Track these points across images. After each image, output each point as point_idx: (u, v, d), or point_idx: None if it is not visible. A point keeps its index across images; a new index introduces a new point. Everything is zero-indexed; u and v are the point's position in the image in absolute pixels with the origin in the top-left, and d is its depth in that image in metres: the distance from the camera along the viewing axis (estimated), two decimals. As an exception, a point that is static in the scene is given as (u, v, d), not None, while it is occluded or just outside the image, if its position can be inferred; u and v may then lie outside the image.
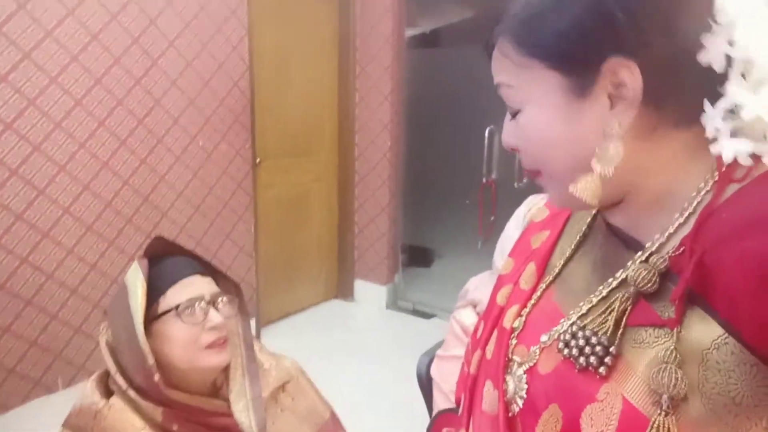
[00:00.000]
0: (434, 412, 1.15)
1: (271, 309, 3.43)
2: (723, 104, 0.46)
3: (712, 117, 0.47)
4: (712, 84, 0.47)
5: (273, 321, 3.46)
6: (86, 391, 0.96)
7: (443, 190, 3.80)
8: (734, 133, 0.47)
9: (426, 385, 1.40)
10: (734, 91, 0.46)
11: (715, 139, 0.48)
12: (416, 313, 3.77)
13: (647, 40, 0.47)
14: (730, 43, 0.46)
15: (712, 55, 0.46)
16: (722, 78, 0.47)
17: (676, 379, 0.45)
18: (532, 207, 1.20)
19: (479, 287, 1.22)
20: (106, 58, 2.42)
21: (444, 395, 1.15)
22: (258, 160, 3.21)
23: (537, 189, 0.67)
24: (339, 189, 3.86)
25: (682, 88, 0.49)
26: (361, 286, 3.91)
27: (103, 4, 2.37)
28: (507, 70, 0.55)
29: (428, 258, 4.52)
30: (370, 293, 3.87)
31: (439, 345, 1.44)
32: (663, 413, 0.45)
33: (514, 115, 0.56)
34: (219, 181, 3.00)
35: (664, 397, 0.45)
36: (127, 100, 2.52)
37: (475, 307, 1.21)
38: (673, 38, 0.47)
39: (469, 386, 0.70)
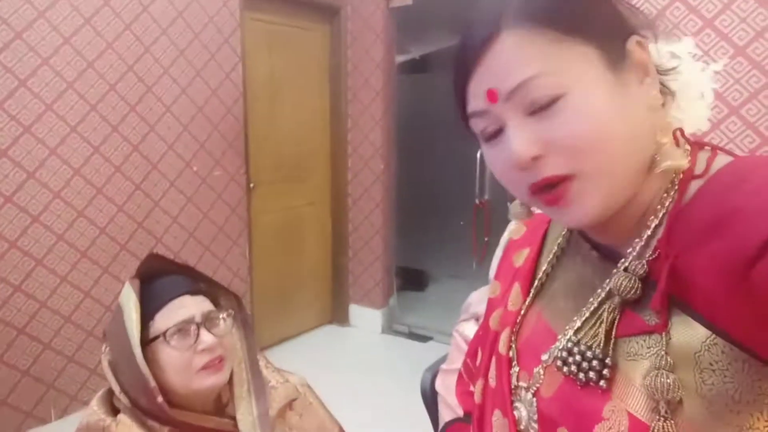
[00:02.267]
0: (441, 425, 1.14)
1: (267, 335, 3.40)
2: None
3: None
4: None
5: (268, 347, 3.42)
6: (92, 408, 0.95)
7: (436, 213, 3.82)
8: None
9: (430, 399, 1.39)
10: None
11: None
12: (412, 336, 3.74)
13: (642, 23, 0.53)
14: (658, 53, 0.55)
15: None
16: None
17: (669, 383, 0.45)
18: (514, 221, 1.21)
19: (481, 301, 1.22)
20: (101, 85, 2.43)
21: (450, 408, 1.14)
22: (252, 185, 3.22)
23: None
24: (332, 213, 3.86)
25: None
26: (356, 310, 3.89)
27: (98, 33, 2.40)
28: (533, 60, 0.48)
29: (423, 281, 4.52)
30: (365, 317, 3.84)
31: (441, 360, 1.43)
32: (662, 419, 0.45)
33: (534, 112, 0.49)
34: (213, 207, 3.00)
35: (661, 402, 0.45)
36: (121, 127, 2.53)
37: (477, 320, 1.21)
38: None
39: (477, 416, 0.70)
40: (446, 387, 1.20)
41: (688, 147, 0.53)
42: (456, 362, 1.22)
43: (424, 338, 3.69)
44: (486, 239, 3.46)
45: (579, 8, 0.49)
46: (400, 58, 3.78)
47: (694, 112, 0.54)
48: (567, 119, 0.48)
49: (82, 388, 2.47)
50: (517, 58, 0.48)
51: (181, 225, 2.84)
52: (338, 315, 3.92)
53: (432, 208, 3.85)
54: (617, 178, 0.49)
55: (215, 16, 2.88)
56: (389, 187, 3.74)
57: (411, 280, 4.39)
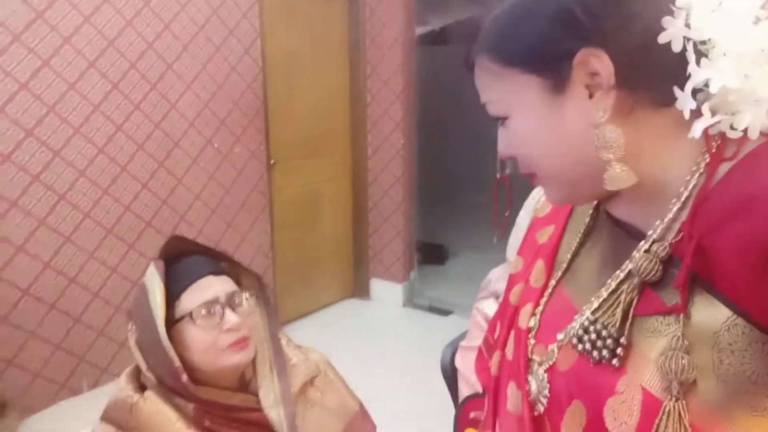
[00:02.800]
0: (460, 401, 1.16)
1: (289, 309, 3.45)
2: (689, 84, 0.47)
3: (683, 98, 0.48)
4: (683, 64, 0.48)
5: (290, 321, 3.48)
6: (120, 384, 0.98)
7: (457, 187, 3.80)
8: (713, 112, 0.48)
9: (450, 376, 1.41)
10: (696, 70, 0.47)
11: (691, 120, 0.48)
12: (433, 310, 3.77)
13: (608, 28, 0.49)
14: (688, 26, 0.47)
15: (671, 36, 0.47)
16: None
17: (684, 365, 0.46)
18: (542, 197, 1.21)
19: (501, 278, 1.22)
20: (122, 63, 2.45)
21: (469, 385, 1.16)
22: (272, 161, 3.24)
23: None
24: (353, 188, 3.87)
25: (654, 70, 0.50)
26: (377, 284, 3.92)
27: (118, 11, 2.40)
28: (489, 86, 0.57)
29: (443, 255, 4.52)
30: (386, 291, 3.87)
31: (461, 337, 1.44)
32: (673, 399, 0.46)
33: (503, 123, 0.58)
34: (235, 183, 3.03)
35: (674, 383, 0.46)
36: (143, 105, 2.55)
37: (497, 297, 1.21)
38: (634, 23, 0.49)
39: (492, 388, 0.71)
40: (466, 364, 1.21)
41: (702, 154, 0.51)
42: (475, 339, 1.23)
43: (444, 312, 3.71)
44: (507, 213, 3.43)
45: (518, 43, 0.54)
46: (420, 30, 3.72)
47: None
48: (512, 137, 0.58)
49: (112, 361, 2.55)
50: (480, 83, 0.59)
51: (204, 202, 2.88)
52: (359, 289, 3.96)
53: (452, 183, 3.83)
54: (570, 182, 0.56)
55: (233, -9, 2.87)
56: (409, 161, 3.73)
57: (431, 254, 4.40)
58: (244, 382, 1.07)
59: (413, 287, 3.90)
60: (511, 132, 0.57)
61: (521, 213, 1.27)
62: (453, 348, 1.40)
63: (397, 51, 3.55)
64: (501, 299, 1.20)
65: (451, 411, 1.43)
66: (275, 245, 3.32)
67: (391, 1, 3.50)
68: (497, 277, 1.24)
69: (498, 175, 3.51)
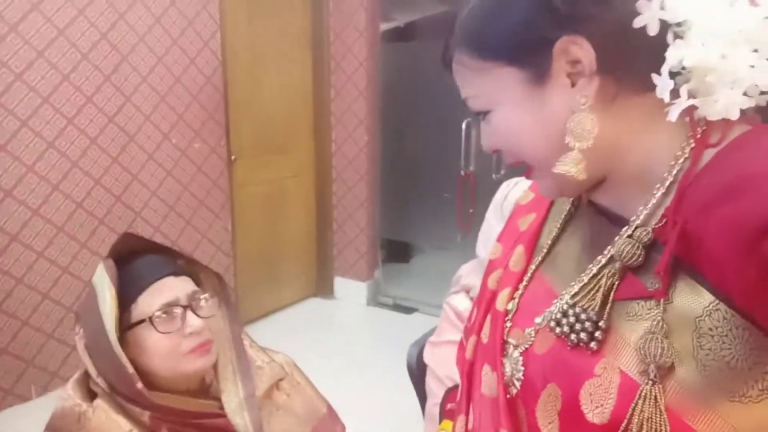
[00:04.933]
0: (430, 397, 1.13)
1: (251, 308, 3.38)
2: (665, 66, 0.47)
3: (660, 81, 0.48)
4: (662, 49, 0.48)
5: (253, 320, 3.41)
6: (67, 392, 0.91)
7: (421, 184, 3.79)
8: (691, 95, 0.48)
9: (417, 374, 1.38)
10: (672, 51, 0.47)
11: (671, 104, 0.48)
12: (397, 308, 3.75)
13: (586, 14, 0.49)
14: (662, 8, 0.47)
15: (646, 20, 0.47)
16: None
17: (662, 348, 0.46)
18: (509, 192, 1.20)
19: (471, 273, 1.20)
20: (74, 54, 2.34)
21: (438, 380, 1.13)
22: (233, 157, 3.15)
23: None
24: (316, 185, 3.81)
25: (635, 54, 0.50)
26: (341, 283, 3.88)
27: (70, 0, 2.29)
28: (469, 81, 0.57)
29: (407, 253, 4.51)
30: (350, 290, 3.83)
31: (428, 335, 1.42)
32: (650, 382, 0.46)
33: (485, 117, 0.58)
34: (194, 180, 2.93)
35: (651, 366, 0.46)
36: (96, 97, 2.44)
37: (468, 292, 1.19)
38: (612, 7, 0.49)
39: (467, 371, 0.71)
40: (436, 359, 1.18)
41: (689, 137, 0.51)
42: (445, 334, 1.21)
43: (409, 310, 3.70)
44: (471, 211, 3.44)
45: (495, 37, 0.53)
46: (384, 26, 3.69)
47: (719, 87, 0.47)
48: (495, 130, 0.57)
49: (62, 364, 2.44)
50: (459, 77, 0.58)
51: (161, 198, 2.78)
52: (323, 288, 3.91)
53: (417, 180, 3.81)
54: (562, 180, 0.54)
55: (192, -19, 2.77)
56: (373, 158, 3.70)
57: (396, 252, 4.38)
58: (205, 387, 1.02)
59: (377, 285, 3.87)
60: (493, 125, 0.57)
61: (490, 208, 1.25)
62: (419, 346, 1.37)
63: (362, 46, 3.51)
64: (472, 293, 1.19)
65: (417, 409, 1.41)
66: (236, 243, 3.24)
67: (355, -5, 3.46)
68: (468, 272, 1.22)
69: (462, 173, 3.51)
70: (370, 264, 3.80)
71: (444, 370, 1.14)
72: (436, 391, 1.14)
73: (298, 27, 3.51)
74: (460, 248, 3.36)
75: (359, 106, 3.59)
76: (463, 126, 3.40)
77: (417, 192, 3.82)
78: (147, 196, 2.71)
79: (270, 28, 3.31)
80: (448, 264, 1.32)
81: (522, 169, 0.63)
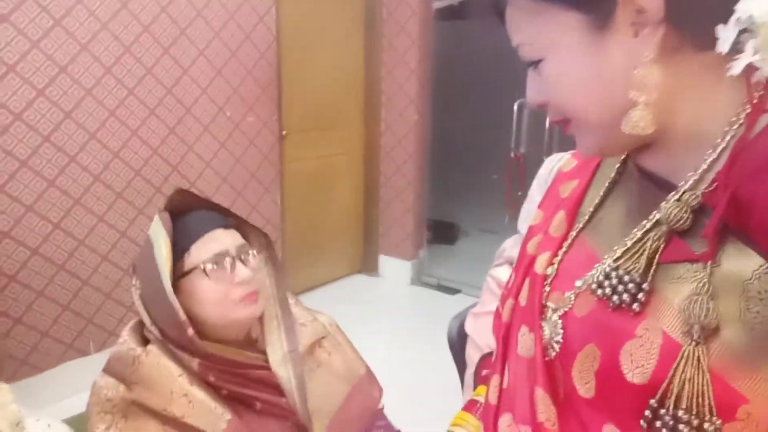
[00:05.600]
0: (469, 366, 1.14)
1: (296, 282, 3.45)
2: (733, 18, 0.45)
3: (725, 32, 0.45)
4: (730, 2, 0.45)
5: (297, 293, 3.47)
6: (123, 338, 0.96)
7: (470, 166, 3.76)
8: (756, 52, 0.45)
9: (457, 346, 1.39)
10: (743, 4, 0.44)
11: (732, 60, 0.46)
12: (441, 288, 3.75)
13: None
14: None
15: None
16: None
17: (707, 309, 0.45)
18: (554, 167, 1.18)
19: (515, 246, 1.19)
20: (135, 26, 2.41)
21: (478, 349, 1.13)
22: (284, 132, 3.20)
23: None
24: (365, 163, 3.84)
25: (702, 6, 0.47)
26: (385, 261, 3.90)
27: (132, -29, 2.36)
28: (523, 26, 0.54)
29: (453, 234, 4.49)
30: (394, 268, 3.86)
31: (468, 309, 1.42)
32: (693, 343, 0.46)
33: (536, 67, 0.55)
34: (246, 153, 3.00)
35: (695, 327, 0.45)
36: (155, 69, 2.52)
37: (511, 264, 1.18)
38: None
39: (503, 334, 0.70)
40: (477, 329, 1.18)
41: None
42: (487, 305, 1.20)
43: (452, 290, 3.70)
44: (519, 194, 3.39)
45: None
46: (438, 4, 3.65)
47: None
48: (547, 80, 0.54)
49: (119, 324, 2.55)
50: (511, 25, 0.55)
51: (215, 170, 2.86)
52: (368, 265, 3.95)
53: (466, 161, 3.78)
54: (607, 127, 0.53)
55: (249, -43, 2.81)
56: (423, 138, 3.68)
57: (442, 233, 4.37)
58: (251, 340, 1.06)
59: (422, 265, 3.88)
60: (545, 76, 0.54)
61: (533, 184, 1.23)
62: (460, 319, 1.37)
63: (414, 24, 3.48)
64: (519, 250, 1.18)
65: (457, 384, 1.41)
66: (285, 217, 3.30)
67: (409, -28, 3.43)
68: (512, 245, 1.20)
69: (512, 155, 3.46)
70: (415, 244, 3.81)
71: (485, 339, 1.14)
72: (475, 360, 1.14)
73: (352, 4, 3.52)
74: (506, 232, 3.30)
75: (410, 85, 3.58)
76: (515, 107, 3.34)
77: (465, 173, 3.80)
78: (201, 167, 2.79)
79: (324, 5, 3.32)
80: (494, 247, 1.31)
81: (570, 144, 0.62)
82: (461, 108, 3.70)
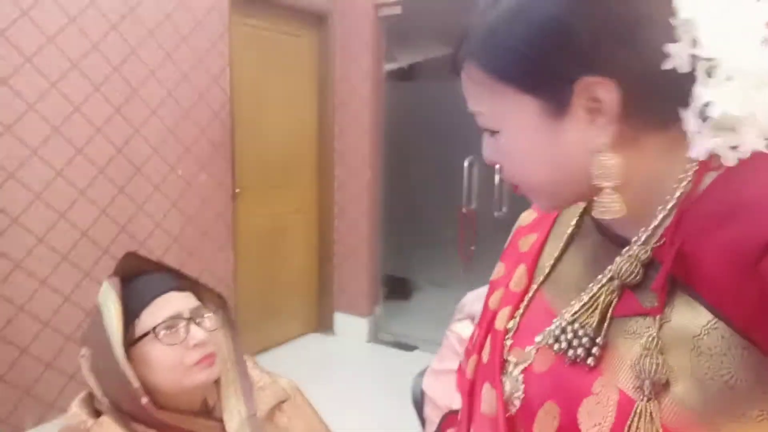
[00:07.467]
0: (429, 427, 1.12)
1: (251, 342, 3.34)
2: (693, 106, 0.47)
3: (689, 120, 0.47)
4: (687, 85, 0.47)
5: (252, 354, 3.37)
6: (72, 410, 0.91)
7: (423, 221, 3.81)
8: (715, 130, 0.47)
9: (421, 405, 1.37)
10: (701, 91, 0.46)
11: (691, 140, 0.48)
12: (398, 345, 3.71)
13: (612, 56, 0.46)
14: (694, 44, 0.46)
15: (676, 59, 0.46)
16: (694, 79, 0.47)
17: (657, 365, 0.46)
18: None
19: (476, 301, 1.21)
20: (86, 85, 2.39)
21: (437, 409, 1.12)
22: (237, 190, 3.18)
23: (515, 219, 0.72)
24: (319, 221, 3.84)
25: (659, 95, 0.48)
26: (341, 318, 3.85)
27: (83, 33, 2.36)
28: (478, 97, 0.54)
29: (408, 289, 4.49)
30: (350, 326, 3.81)
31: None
32: (645, 398, 0.46)
33: (493, 133, 0.55)
34: (198, 212, 2.96)
35: (646, 382, 0.46)
36: (106, 128, 2.49)
37: (473, 319, 1.19)
38: (637, 50, 0.46)
39: (467, 391, 0.70)
40: (435, 387, 1.17)
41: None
42: (447, 362, 1.20)
43: (409, 347, 3.67)
44: (472, 248, 3.45)
45: (512, 58, 0.50)
46: (388, 66, 3.78)
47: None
48: (503, 149, 0.55)
49: (59, 395, 2.40)
50: (468, 91, 0.55)
51: (165, 230, 2.80)
52: (323, 323, 3.88)
53: (418, 217, 3.83)
54: (557, 198, 0.56)
55: (203, 20, 2.86)
56: (376, 195, 3.73)
57: (397, 288, 4.37)
58: (207, 408, 1.01)
59: (378, 322, 3.84)
60: (500, 146, 0.55)
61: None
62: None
63: (366, 85, 3.59)
64: (477, 320, 1.18)
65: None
66: (238, 276, 3.23)
67: (360, 37, 3.56)
68: (472, 300, 1.22)
69: (463, 210, 3.54)
70: (370, 300, 3.79)
71: (445, 400, 1.13)
72: (435, 420, 1.13)
73: (305, 66, 3.60)
74: (461, 285, 3.34)
75: (363, 144, 3.64)
76: (465, 164, 3.44)
77: (419, 229, 3.84)
78: (152, 227, 2.73)
79: (277, 66, 3.39)
80: (449, 302, 1.32)
81: (526, 204, 0.64)
82: (413, 165, 3.78)
